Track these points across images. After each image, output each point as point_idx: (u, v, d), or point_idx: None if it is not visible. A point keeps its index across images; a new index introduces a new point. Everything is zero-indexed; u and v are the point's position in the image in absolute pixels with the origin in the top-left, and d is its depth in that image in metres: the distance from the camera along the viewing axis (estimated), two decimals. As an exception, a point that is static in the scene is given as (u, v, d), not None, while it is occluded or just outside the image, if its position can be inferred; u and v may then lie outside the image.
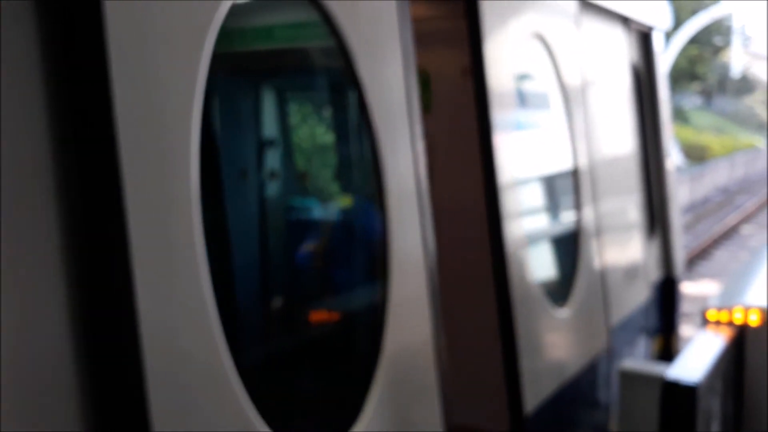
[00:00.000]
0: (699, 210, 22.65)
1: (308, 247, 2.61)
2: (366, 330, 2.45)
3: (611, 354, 4.31)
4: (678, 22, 25.72)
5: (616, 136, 4.86)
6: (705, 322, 4.03)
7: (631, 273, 4.81)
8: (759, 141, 48.13)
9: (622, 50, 5.08)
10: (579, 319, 3.92)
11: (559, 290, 3.83)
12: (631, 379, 3.81)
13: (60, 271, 1.32)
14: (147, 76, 1.47)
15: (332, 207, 2.80)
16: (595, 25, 4.54)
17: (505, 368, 3.22)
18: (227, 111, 2.17)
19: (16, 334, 1.24)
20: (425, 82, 4.60)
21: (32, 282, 1.28)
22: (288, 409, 2.13)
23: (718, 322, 3.94)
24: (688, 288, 10.11)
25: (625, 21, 5.09)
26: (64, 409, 1.32)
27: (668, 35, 25.20)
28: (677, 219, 6.10)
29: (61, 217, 1.33)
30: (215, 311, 1.58)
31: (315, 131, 2.81)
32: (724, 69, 46.96)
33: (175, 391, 1.47)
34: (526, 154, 3.68)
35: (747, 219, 21.56)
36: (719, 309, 4.00)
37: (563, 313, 3.75)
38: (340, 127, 2.76)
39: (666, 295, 5.73)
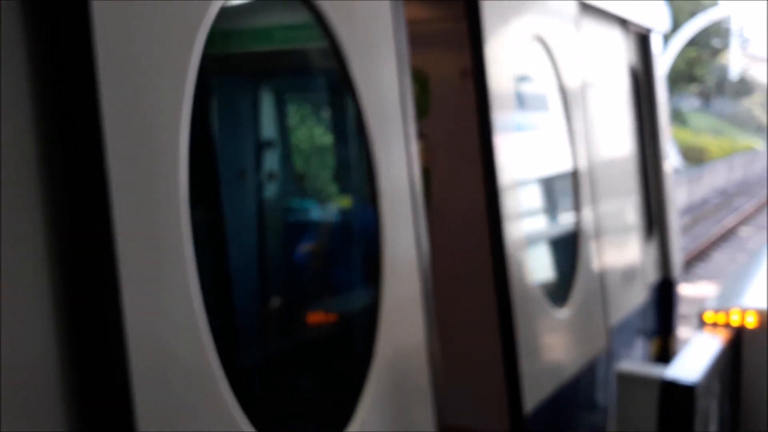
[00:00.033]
0: (697, 212, 22.66)
1: (301, 248, 2.61)
2: (358, 332, 2.45)
3: (610, 354, 4.32)
4: (676, 24, 25.76)
5: (615, 139, 4.87)
6: (702, 324, 4.04)
7: (628, 275, 4.82)
8: (757, 143, 48.17)
9: (621, 52, 5.08)
10: (578, 319, 3.94)
11: (559, 291, 3.84)
12: (628, 381, 3.81)
13: (46, 271, 1.32)
14: (135, 77, 1.47)
15: (326, 208, 2.80)
16: (594, 27, 4.55)
17: (505, 368, 3.22)
18: (219, 112, 2.15)
19: (1, 335, 1.24)
20: (424, 84, 4.60)
21: (17, 283, 1.28)
22: (278, 411, 2.12)
23: (715, 324, 3.95)
24: (685, 290, 10.11)
25: (623, 23, 5.10)
26: (49, 410, 1.31)
27: (666, 37, 25.23)
28: (675, 221, 6.11)
29: (47, 218, 1.33)
30: (203, 312, 1.58)
31: (309, 133, 2.80)
32: (723, 71, 47.01)
33: (161, 392, 1.47)
34: (526, 156, 3.69)
35: (745, 221, 21.58)
36: (716, 311, 4.01)
37: (563, 313, 3.77)
38: (332, 128, 2.76)
39: (664, 297, 5.73)
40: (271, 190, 2.71)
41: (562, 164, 4.13)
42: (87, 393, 1.36)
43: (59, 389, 1.33)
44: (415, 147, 2.48)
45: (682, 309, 6.61)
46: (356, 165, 2.54)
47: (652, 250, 5.59)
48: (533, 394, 3.31)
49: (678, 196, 21.20)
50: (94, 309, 1.37)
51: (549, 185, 4.11)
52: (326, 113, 2.81)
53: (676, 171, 25.03)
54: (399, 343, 2.33)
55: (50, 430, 1.31)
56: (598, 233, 4.29)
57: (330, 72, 2.35)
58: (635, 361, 4.88)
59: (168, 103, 1.55)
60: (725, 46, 44.48)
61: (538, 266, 3.77)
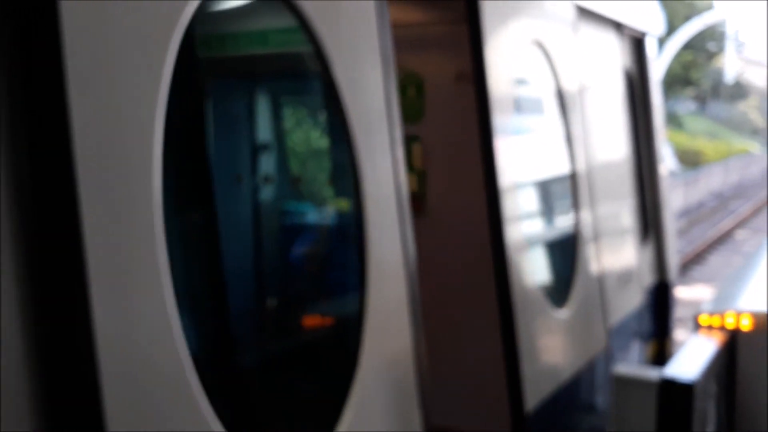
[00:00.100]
0: (693, 215, 22.70)
1: (288, 252, 2.59)
2: (343, 336, 2.41)
3: (609, 355, 4.34)
4: (672, 28, 25.81)
5: (611, 142, 4.88)
6: (697, 326, 4.04)
7: (624, 278, 4.83)
8: (753, 146, 48.28)
9: (615, 56, 5.10)
10: (578, 320, 3.95)
11: (559, 292, 3.86)
12: (625, 383, 3.81)
13: (12, 273, 1.30)
14: (106, 78, 1.44)
15: (306, 214, 2.77)
16: (590, 31, 4.57)
17: (506, 368, 3.23)
18: (199, 114, 2.10)
19: None
20: (419, 87, 4.62)
21: None
22: (257, 416, 2.09)
23: (710, 327, 3.95)
24: (682, 292, 10.12)
25: (618, 27, 5.11)
26: (16, 410, 1.30)
27: (662, 41, 25.28)
28: (671, 224, 6.12)
29: (14, 220, 1.31)
30: (176, 313, 1.55)
31: (291, 137, 2.77)
32: (718, 74, 47.08)
33: (132, 394, 1.45)
34: (525, 159, 3.70)
35: (741, 224, 21.62)
36: (711, 314, 4.01)
37: (562, 314, 3.78)
38: (314, 132, 2.74)
39: (660, 300, 5.74)
40: (266, 193, 2.70)
41: (560, 167, 4.14)
42: (55, 393, 1.35)
43: (26, 390, 1.31)
44: (401, 150, 2.45)
45: (679, 312, 6.61)
46: (339, 169, 2.53)
47: (648, 253, 5.61)
48: (534, 394, 3.32)
49: (674, 199, 21.23)
50: (62, 310, 1.35)
51: (548, 188, 4.12)
52: (309, 117, 2.79)
53: (672, 174, 25.06)
54: (385, 348, 2.30)
55: (18, 430, 1.29)
56: (596, 236, 4.31)
57: (313, 75, 2.32)
58: (632, 364, 4.88)
59: (141, 105, 1.52)
60: (720, 49, 44.55)
61: (537, 267, 3.78)
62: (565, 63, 4.07)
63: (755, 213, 24.01)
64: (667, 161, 6.56)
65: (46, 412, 1.33)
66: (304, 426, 2.26)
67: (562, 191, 4.17)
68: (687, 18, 35.10)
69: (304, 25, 2.08)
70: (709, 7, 40.16)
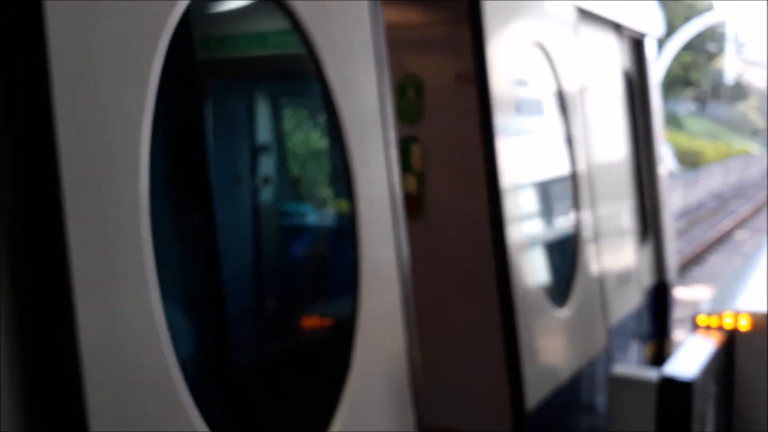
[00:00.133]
0: (693, 215, 22.71)
1: (278, 254, 2.56)
2: (335, 337, 2.39)
3: (610, 354, 4.35)
4: (671, 29, 25.81)
5: (611, 143, 4.89)
6: (695, 327, 4.05)
7: (623, 278, 4.84)
8: (753, 147, 48.28)
9: (615, 57, 5.11)
10: (578, 319, 3.97)
11: (559, 291, 3.88)
12: (623, 384, 3.82)
13: None
14: (92, 78, 1.43)
15: (298, 216, 2.74)
16: (589, 32, 4.58)
17: (507, 367, 3.24)
18: (185, 116, 2.06)
19: None
20: (418, 89, 4.63)
21: None
22: (243, 418, 2.07)
23: (708, 327, 3.96)
24: (681, 293, 10.13)
25: (617, 28, 5.12)
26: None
27: (662, 42, 25.28)
28: (670, 224, 6.13)
29: None
30: (161, 315, 1.53)
31: (282, 138, 2.74)
32: (718, 75, 47.10)
33: (115, 395, 1.44)
34: (526, 159, 3.72)
35: (741, 224, 21.62)
36: (709, 314, 4.02)
37: (563, 313, 3.80)
38: (306, 133, 2.72)
39: (659, 301, 5.75)
40: (259, 195, 2.67)
41: (561, 168, 4.16)
42: (38, 395, 1.34)
43: (9, 390, 1.30)
44: (395, 152, 2.43)
45: (678, 312, 6.62)
46: (332, 171, 2.51)
47: (647, 254, 5.62)
48: (535, 393, 3.33)
49: (674, 199, 21.24)
50: (46, 313, 1.34)
51: (549, 188, 4.14)
52: (301, 119, 2.77)
53: (672, 175, 25.07)
54: (378, 349, 2.28)
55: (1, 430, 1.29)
56: (595, 236, 4.32)
57: (305, 76, 2.29)
58: (630, 365, 4.89)
59: (128, 106, 1.50)
60: (720, 50, 44.57)
61: (538, 267, 3.80)
62: (565, 64, 4.09)
63: (755, 213, 24.02)
64: (666, 162, 6.57)
65: (29, 412, 1.32)
66: (294, 427, 2.25)
67: (563, 192, 4.18)
68: (687, 19, 35.11)
69: (296, 26, 2.06)
70: (709, 8, 40.17)
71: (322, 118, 2.51)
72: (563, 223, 4.23)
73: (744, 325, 3.92)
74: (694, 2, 43.06)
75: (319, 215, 2.77)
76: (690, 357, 3.59)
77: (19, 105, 1.33)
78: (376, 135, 2.34)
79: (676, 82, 42.35)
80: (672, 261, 6.03)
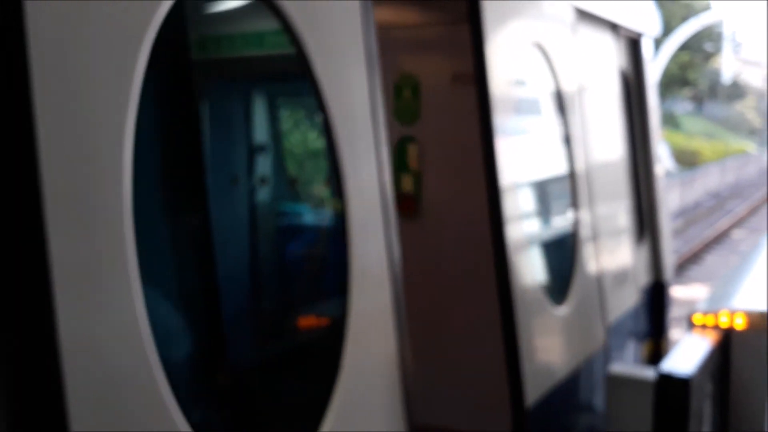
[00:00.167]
0: (690, 215, 22.73)
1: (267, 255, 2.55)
2: (325, 338, 2.38)
3: (608, 351, 4.37)
4: (669, 29, 25.84)
5: (608, 142, 4.90)
6: (691, 326, 4.06)
7: (620, 277, 4.85)
8: (750, 146, 48.35)
9: (611, 56, 5.12)
10: (576, 316, 3.98)
11: (558, 289, 3.89)
12: (620, 383, 3.83)
13: None
14: (73, 79, 1.42)
15: (287, 216, 2.73)
16: (586, 32, 4.59)
17: (506, 364, 3.25)
18: (170, 117, 2.04)
19: None
20: (415, 89, 4.64)
21: None
22: (228, 419, 2.06)
23: (703, 326, 3.97)
24: (679, 292, 10.14)
25: (614, 27, 5.13)
26: None
27: (659, 42, 25.31)
28: (666, 224, 6.14)
29: None
30: (144, 316, 1.52)
31: (270, 138, 2.72)
32: (715, 75, 47.15)
33: (98, 397, 1.42)
34: (525, 159, 3.73)
35: (738, 223, 21.66)
36: (705, 313, 4.03)
37: (561, 310, 3.81)
38: (294, 134, 2.70)
39: (655, 300, 5.76)
40: (256, 196, 2.66)
41: (559, 167, 4.17)
42: (18, 395, 1.33)
43: None
44: (386, 152, 2.41)
45: (675, 312, 6.63)
46: (322, 172, 2.49)
47: (644, 253, 5.63)
48: (534, 389, 3.35)
49: (671, 199, 21.26)
50: (25, 314, 1.33)
51: (548, 187, 4.15)
52: (291, 119, 2.76)
53: (670, 174, 25.09)
54: (368, 350, 2.27)
55: None
56: (593, 235, 4.34)
57: (294, 76, 2.27)
58: (627, 364, 4.90)
59: (111, 105, 1.49)
60: (718, 50, 44.61)
61: (537, 265, 3.81)
62: (564, 64, 4.10)
63: (752, 213, 24.06)
64: (664, 161, 6.58)
65: (9, 413, 1.31)
66: (283, 428, 2.23)
67: (561, 191, 4.20)
68: (684, 19, 35.15)
69: (286, 27, 2.05)
70: (706, 8, 40.21)
71: (311, 118, 2.50)
72: (561, 221, 4.25)
73: (740, 324, 3.93)
74: (691, 2, 43.09)
75: (308, 217, 2.76)
76: (686, 355, 3.60)
77: None
78: (367, 135, 2.33)
79: (673, 81, 42.38)
80: (669, 260, 6.04)
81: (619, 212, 5.02)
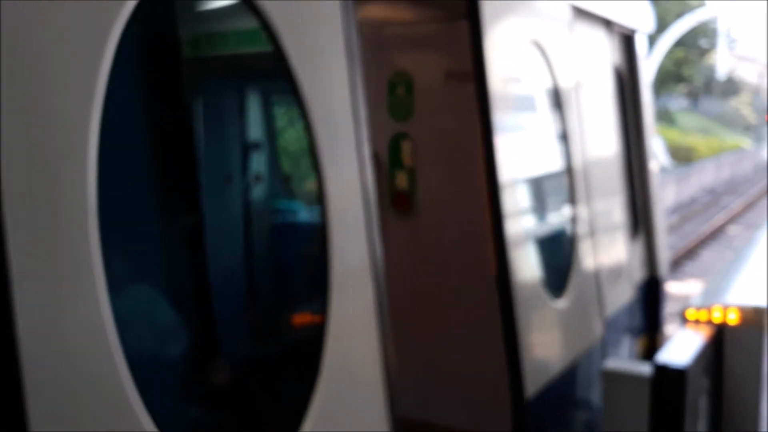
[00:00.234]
0: (685, 210, 22.78)
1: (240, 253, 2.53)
2: (306, 338, 2.36)
3: (606, 344, 4.39)
4: (664, 25, 25.86)
5: (602, 139, 4.92)
6: (685, 321, 4.07)
7: (615, 273, 4.87)
8: (745, 142, 48.43)
9: (605, 53, 5.13)
10: (574, 310, 4.00)
11: (556, 283, 3.91)
12: (616, 378, 3.84)
13: None
14: (37, 77, 1.41)
15: (265, 216, 2.71)
16: (579, 28, 4.60)
17: (506, 357, 3.27)
18: (136, 116, 2.03)
19: None
20: (408, 86, 4.64)
21: None
22: (200, 418, 2.05)
23: (697, 321, 3.99)
24: (673, 288, 10.17)
25: (607, 24, 5.14)
26: None
27: (654, 38, 25.32)
28: (661, 220, 6.15)
29: None
30: (110, 314, 1.51)
31: (248, 137, 2.70)
32: (710, 71, 47.22)
33: (58, 394, 1.41)
34: (523, 155, 3.74)
35: (733, 219, 21.71)
36: (698, 308, 4.05)
37: (560, 304, 3.83)
38: (270, 131, 2.68)
39: (650, 295, 5.78)
40: (245, 195, 2.66)
41: (557, 163, 4.19)
42: None
43: None
44: (367, 150, 2.40)
45: (670, 307, 6.65)
46: (301, 170, 2.48)
47: (638, 249, 5.64)
48: (534, 382, 3.36)
49: (666, 195, 21.29)
50: None
51: (546, 183, 4.17)
52: (268, 118, 2.74)
53: (665, 170, 25.13)
54: (349, 350, 2.26)
55: None
56: (590, 230, 4.36)
57: (271, 75, 2.25)
58: (622, 359, 4.92)
59: (75, 105, 1.49)
60: (712, 46, 44.66)
61: (535, 259, 3.83)
62: (560, 61, 4.11)
63: (747, 208, 24.11)
64: (659, 157, 6.61)
65: None
66: (262, 427, 2.22)
67: (559, 186, 4.22)
68: (679, 15, 35.17)
69: (265, 26, 2.05)
70: (701, 4, 40.26)
71: (290, 117, 2.49)
72: (559, 216, 4.27)
73: (733, 319, 3.94)
74: (686, -2, 43.14)
75: (290, 216, 2.75)
76: (681, 349, 3.61)
77: None
78: (348, 134, 2.32)
79: (668, 78, 42.43)
80: (663, 256, 6.06)
81: (615, 208, 5.04)
